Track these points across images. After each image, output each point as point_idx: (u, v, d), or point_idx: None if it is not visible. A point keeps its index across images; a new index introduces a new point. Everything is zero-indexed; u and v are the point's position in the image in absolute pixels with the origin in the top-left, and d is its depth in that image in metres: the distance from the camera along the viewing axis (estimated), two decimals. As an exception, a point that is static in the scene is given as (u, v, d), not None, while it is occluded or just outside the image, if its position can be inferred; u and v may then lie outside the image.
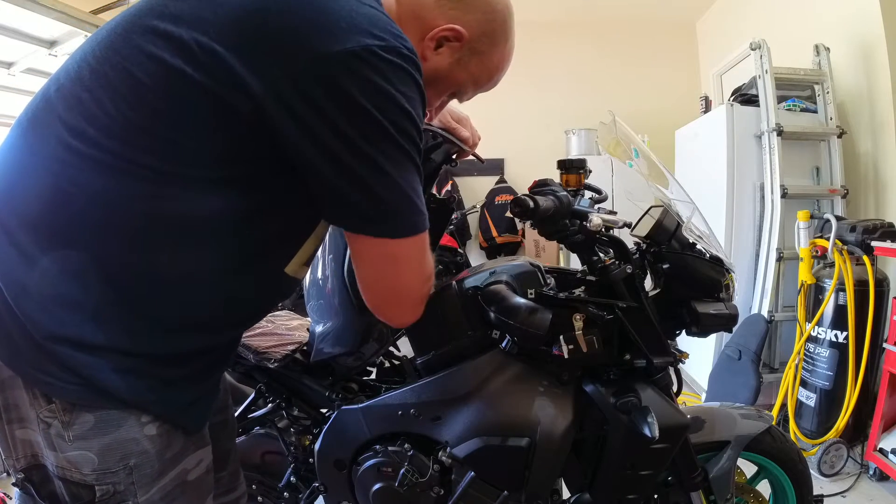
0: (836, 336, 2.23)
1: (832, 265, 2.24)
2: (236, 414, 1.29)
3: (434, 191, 1.28)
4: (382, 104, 0.66)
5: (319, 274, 1.15)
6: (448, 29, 0.81)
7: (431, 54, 0.83)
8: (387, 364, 1.25)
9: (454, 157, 1.21)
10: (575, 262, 1.09)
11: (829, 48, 2.74)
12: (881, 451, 2.08)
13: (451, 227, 4.51)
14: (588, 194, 1.10)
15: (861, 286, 2.17)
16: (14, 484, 0.75)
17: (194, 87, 0.64)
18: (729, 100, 2.97)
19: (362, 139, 0.66)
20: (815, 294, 2.33)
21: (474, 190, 4.89)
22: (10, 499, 1.78)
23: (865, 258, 2.16)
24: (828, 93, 2.70)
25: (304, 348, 1.19)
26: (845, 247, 2.21)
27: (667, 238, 1.00)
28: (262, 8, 0.64)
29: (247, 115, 0.65)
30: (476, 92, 0.93)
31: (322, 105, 0.64)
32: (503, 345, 0.97)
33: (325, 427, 1.08)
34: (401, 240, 0.74)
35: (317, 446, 1.09)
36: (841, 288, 2.20)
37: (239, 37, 0.64)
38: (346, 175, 0.68)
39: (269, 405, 1.25)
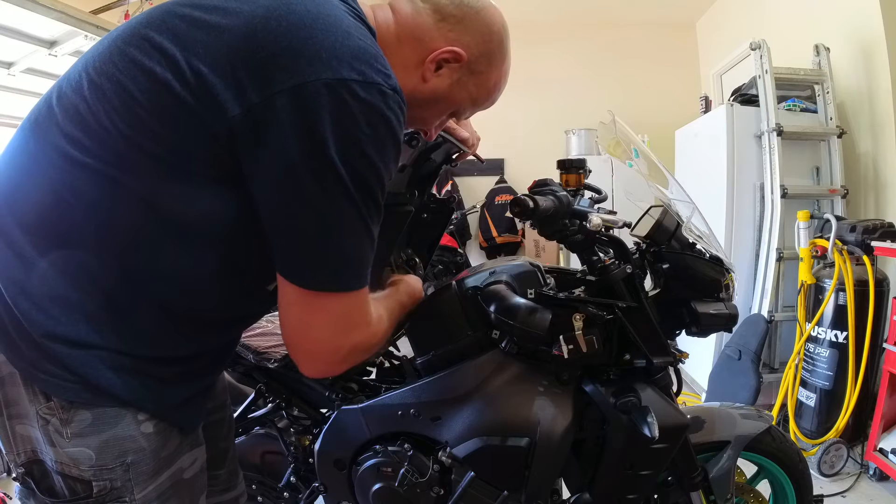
0: (836, 336, 2.23)
1: (832, 265, 2.24)
2: (236, 414, 1.29)
3: (434, 191, 1.28)
4: (345, 148, 0.64)
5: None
6: (448, 51, 0.81)
7: (432, 76, 0.83)
8: (387, 364, 1.25)
9: (454, 157, 1.21)
10: (575, 262, 1.09)
11: (829, 48, 2.74)
12: (881, 451, 2.08)
13: (451, 227, 4.51)
14: (588, 194, 1.10)
15: (861, 286, 2.17)
16: (14, 479, 0.76)
17: (178, 103, 0.64)
18: (729, 100, 2.97)
19: (311, 181, 0.64)
20: (815, 294, 2.33)
21: (474, 190, 4.89)
22: (10, 498, 1.78)
23: (865, 258, 2.16)
24: (828, 93, 2.70)
25: (304, 348, 1.19)
26: (845, 247, 2.21)
27: (667, 238, 1.00)
28: (253, 37, 0.65)
29: (224, 142, 0.65)
30: (474, 111, 0.94)
31: (284, 135, 0.63)
32: (503, 345, 0.97)
33: (325, 427, 1.09)
34: (323, 294, 0.70)
35: (317, 446, 1.09)
36: (841, 288, 2.20)
37: (226, 62, 0.64)
38: (283, 215, 0.67)
39: (269, 405, 1.25)
